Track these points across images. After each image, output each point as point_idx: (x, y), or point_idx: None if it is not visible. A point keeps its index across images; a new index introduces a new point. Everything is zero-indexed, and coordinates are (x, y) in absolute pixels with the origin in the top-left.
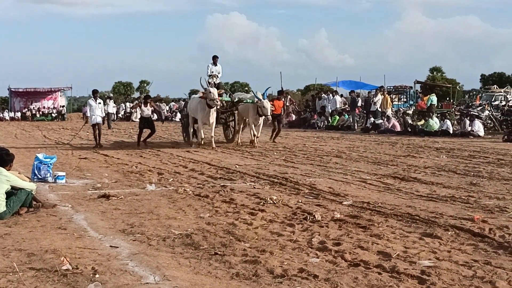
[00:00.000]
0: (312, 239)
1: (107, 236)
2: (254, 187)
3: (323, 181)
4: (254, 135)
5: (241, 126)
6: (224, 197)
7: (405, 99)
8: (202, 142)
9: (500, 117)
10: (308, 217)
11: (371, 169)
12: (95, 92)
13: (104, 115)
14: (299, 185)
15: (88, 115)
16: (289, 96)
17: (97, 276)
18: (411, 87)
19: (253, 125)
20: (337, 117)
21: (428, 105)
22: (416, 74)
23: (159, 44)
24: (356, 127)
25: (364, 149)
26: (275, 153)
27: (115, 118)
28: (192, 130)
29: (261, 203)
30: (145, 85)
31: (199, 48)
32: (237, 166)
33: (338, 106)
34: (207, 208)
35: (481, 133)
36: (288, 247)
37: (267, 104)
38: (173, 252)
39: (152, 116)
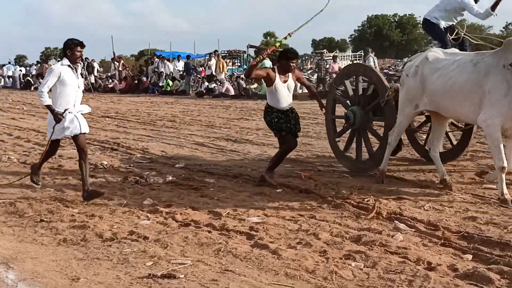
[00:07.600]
0: (144, 202)
1: None
2: None
3: (156, 145)
4: None
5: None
6: (51, 164)
7: (239, 64)
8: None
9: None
10: (140, 181)
11: (204, 132)
12: None
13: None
14: (132, 150)
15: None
16: (122, 61)
17: None
18: (245, 52)
19: None
20: (171, 82)
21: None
22: (250, 39)
23: None
24: (191, 92)
25: (198, 113)
26: (107, 119)
27: None
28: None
29: (91, 169)
30: None
31: (27, 12)
32: None
33: (170, 71)
34: None
35: None
36: (118, 211)
37: None
38: None
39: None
